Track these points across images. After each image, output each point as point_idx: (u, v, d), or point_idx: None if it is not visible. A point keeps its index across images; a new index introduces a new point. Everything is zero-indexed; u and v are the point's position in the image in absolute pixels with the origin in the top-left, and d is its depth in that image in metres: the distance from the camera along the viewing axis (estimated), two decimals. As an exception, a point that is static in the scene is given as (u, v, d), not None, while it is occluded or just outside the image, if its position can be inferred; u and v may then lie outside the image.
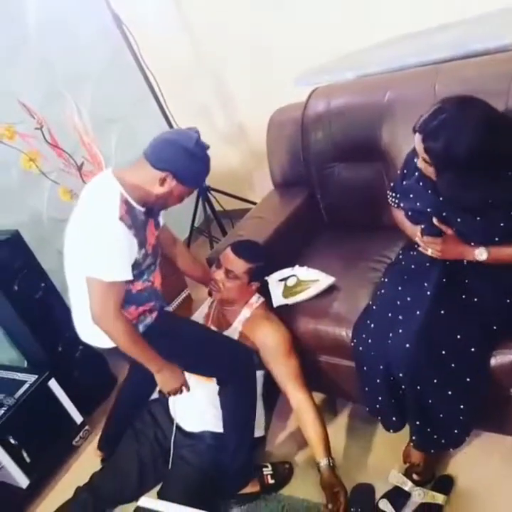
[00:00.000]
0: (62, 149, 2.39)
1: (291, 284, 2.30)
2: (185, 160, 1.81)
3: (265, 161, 2.90)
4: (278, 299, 2.29)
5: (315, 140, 2.63)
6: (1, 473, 2.46)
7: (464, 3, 2.65)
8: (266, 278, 2.35)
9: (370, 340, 1.95)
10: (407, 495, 1.99)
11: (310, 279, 2.28)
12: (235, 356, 2.13)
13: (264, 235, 2.50)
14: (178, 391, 2.09)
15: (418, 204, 1.91)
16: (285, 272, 2.35)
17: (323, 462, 2.02)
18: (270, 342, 2.19)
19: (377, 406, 1.99)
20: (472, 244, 1.82)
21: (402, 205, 2.04)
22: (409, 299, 1.91)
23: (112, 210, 1.75)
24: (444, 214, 1.84)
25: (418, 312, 1.82)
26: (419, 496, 1.97)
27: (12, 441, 2.46)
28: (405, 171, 1.99)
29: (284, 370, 2.18)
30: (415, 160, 1.86)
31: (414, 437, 1.95)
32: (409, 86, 2.40)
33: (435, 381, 1.78)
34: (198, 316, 2.44)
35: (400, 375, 1.81)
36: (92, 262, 1.79)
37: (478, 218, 1.77)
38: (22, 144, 2.64)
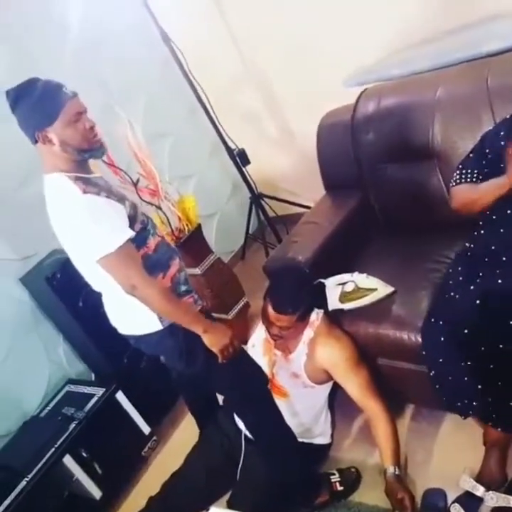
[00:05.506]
0: (118, 167, 2.43)
1: (349, 289, 2.28)
2: (29, 106, 1.69)
3: (316, 165, 2.88)
4: (334, 303, 2.29)
5: (366, 141, 2.61)
6: (74, 486, 2.53)
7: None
8: (323, 281, 2.34)
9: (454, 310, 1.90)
10: (479, 499, 1.94)
11: (368, 287, 2.26)
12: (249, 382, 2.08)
13: (319, 240, 2.50)
14: (229, 348, 1.91)
15: None
16: (344, 276, 2.33)
17: (390, 470, 2.02)
18: (338, 360, 2.17)
19: (453, 393, 1.93)
20: None
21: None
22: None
23: (72, 193, 1.71)
24: None
25: None
26: (491, 500, 1.92)
27: (84, 454, 2.53)
28: (487, 151, 1.94)
29: (356, 383, 2.17)
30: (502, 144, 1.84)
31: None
32: (460, 82, 2.36)
33: None
34: (257, 338, 2.37)
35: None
36: (91, 244, 1.72)
37: None
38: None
